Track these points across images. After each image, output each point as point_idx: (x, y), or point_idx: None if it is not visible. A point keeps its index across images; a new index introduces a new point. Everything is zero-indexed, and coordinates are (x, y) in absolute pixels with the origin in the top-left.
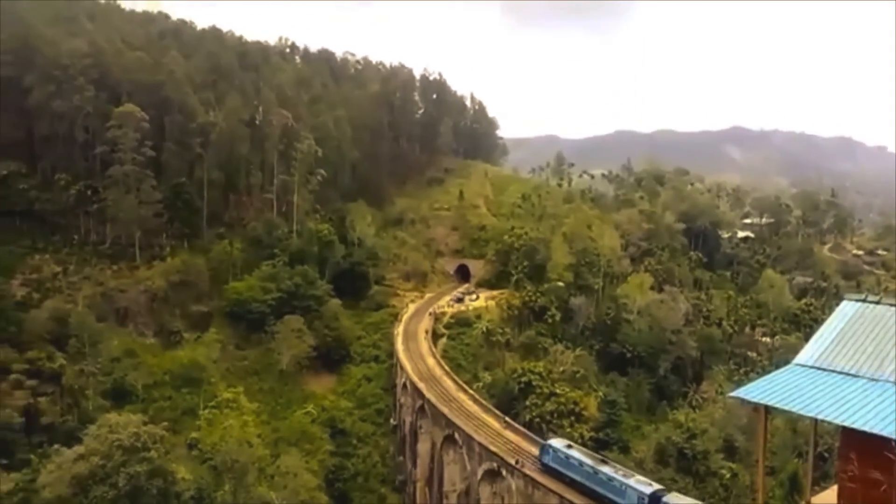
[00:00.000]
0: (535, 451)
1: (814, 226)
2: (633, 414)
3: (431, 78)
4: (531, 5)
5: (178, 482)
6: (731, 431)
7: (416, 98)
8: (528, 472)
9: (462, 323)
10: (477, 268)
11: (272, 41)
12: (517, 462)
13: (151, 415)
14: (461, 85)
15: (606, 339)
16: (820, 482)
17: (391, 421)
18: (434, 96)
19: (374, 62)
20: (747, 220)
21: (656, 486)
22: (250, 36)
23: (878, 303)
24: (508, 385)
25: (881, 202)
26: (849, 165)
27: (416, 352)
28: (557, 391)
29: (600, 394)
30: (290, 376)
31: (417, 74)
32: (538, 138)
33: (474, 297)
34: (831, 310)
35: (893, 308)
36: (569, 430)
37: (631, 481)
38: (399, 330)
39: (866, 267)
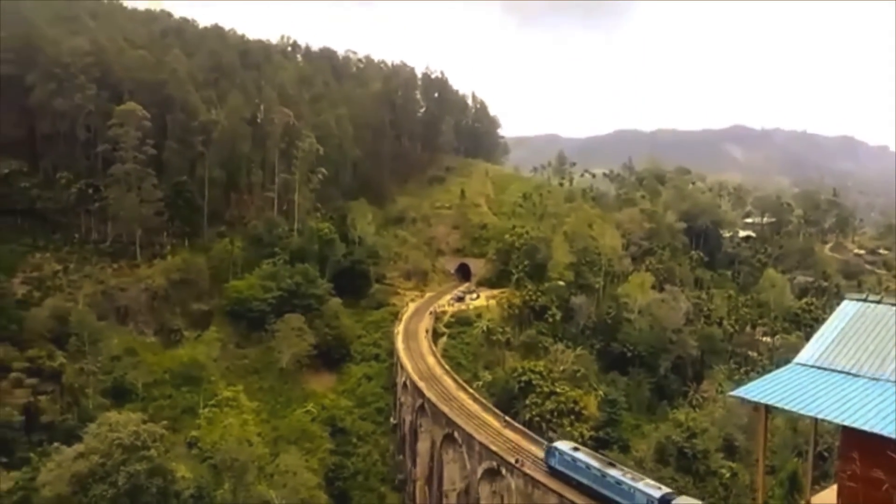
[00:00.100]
0: (535, 449)
1: (815, 225)
2: (634, 413)
3: (433, 77)
4: (532, 4)
5: (178, 481)
6: (731, 431)
7: (418, 97)
8: (527, 470)
9: (462, 322)
10: (478, 267)
11: (274, 40)
12: (517, 461)
13: (151, 413)
14: (463, 84)
15: (607, 339)
16: (820, 481)
17: (391, 420)
18: (436, 95)
19: (375, 61)
20: (748, 220)
21: (665, 490)
22: (252, 34)
23: (879, 302)
24: (508, 384)
25: (883, 202)
26: (850, 165)
27: (416, 351)
28: (557, 390)
29: (600, 393)
30: (291, 375)
31: (419, 73)
32: (539, 137)
33: (475, 295)
34: (832, 309)
35: (894, 308)
36: (569, 428)
37: (640, 485)
38: (399, 329)
39: (867, 266)
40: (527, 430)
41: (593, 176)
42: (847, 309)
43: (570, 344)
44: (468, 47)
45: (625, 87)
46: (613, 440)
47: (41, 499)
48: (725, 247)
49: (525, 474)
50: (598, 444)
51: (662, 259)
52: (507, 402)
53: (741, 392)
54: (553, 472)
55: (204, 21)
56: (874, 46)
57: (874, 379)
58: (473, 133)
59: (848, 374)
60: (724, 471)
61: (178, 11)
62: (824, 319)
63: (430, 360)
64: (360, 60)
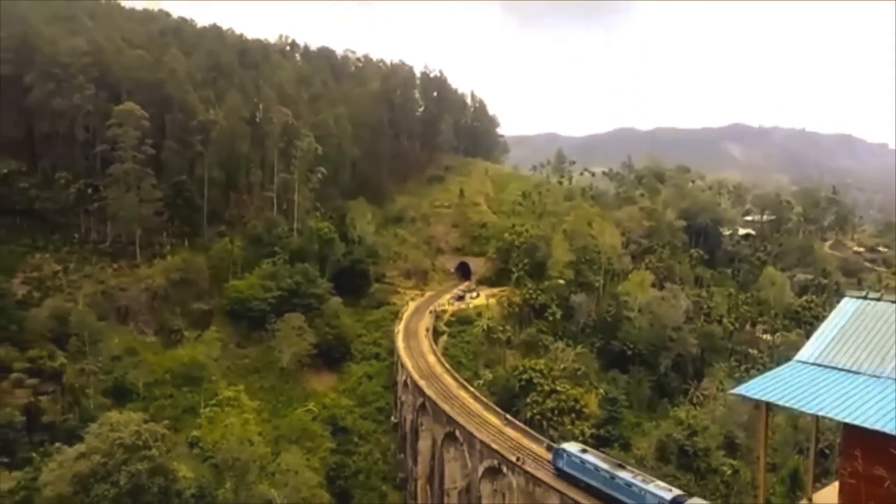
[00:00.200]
0: (537, 448)
1: (814, 223)
2: (634, 411)
3: (432, 76)
4: (532, 4)
5: (180, 480)
6: (731, 428)
7: (417, 96)
8: (532, 470)
9: (463, 321)
10: (477, 265)
11: (272, 39)
12: (518, 459)
13: (152, 413)
14: (462, 83)
15: (607, 337)
16: (821, 479)
17: (392, 418)
18: (434, 94)
19: (374, 60)
20: (748, 218)
21: (677, 492)
22: (251, 34)
23: (878, 299)
24: (509, 382)
25: (882, 199)
26: (849, 162)
27: (416, 349)
28: (558, 388)
29: (601, 391)
30: (291, 374)
31: (418, 72)
32: (539, 136)
33: (475, 294)
34: (832, 307)
35: (894, 305)
36: (569, 427)
37: (650, 486)
38: (400, 328)
39: (867, 264)
40: (528, 429)
41: (593, 174)
42: (847, 306)
43: (570, 342)
44: (468, 47)
45: (624, 85)
46: (614, 438)
47: (43, 499)
48: (725, 245)
49: (526, 472)
50: (598, 443)
51: (662, 257)
52: (508, 400)
53: (742, 390)
54: (561, 474)
55: (202, 21)
56: (873, 44)
57: (875, 376)
58: (472, 132)
59: (848, 371)
60: (725, 468)
61: (177, 11)
62: (824, 317)
63: (431, 358)
64: (358, 60)
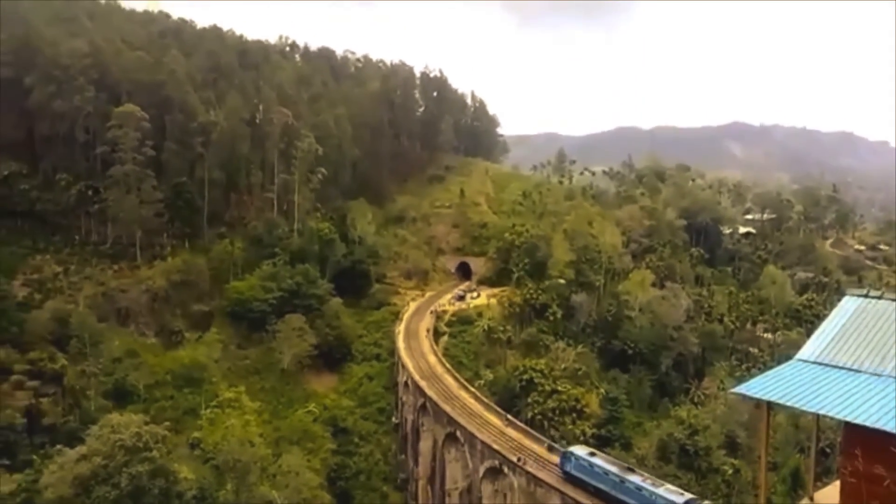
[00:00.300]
0: (538, 448)
1: (815, 221)
2: (635, 410)
3: (432, 76)
4: (532, 4)
5: (181, 482)
6: (732, 427)
7: (417, 96)
8: (536, 472)
9: (463, 321)
10: (478, 265)
11: (272, 40)
12: (519, 460)
13: (153, 415)
14: (462, 82)
15: (608, 336)
16: (822, 478)
17: (393, 419)
18: (434, 94)
19: (374, 60)
20: (748, 216)
21: (689, 496)
22: (250, 35)
23: (879, 298)
24: (510, 383)
25: (883, 197)
26: (850, 161)
27: (417, 350)
28: (559, 388)
29: (602, 391)
30: (292, 375)
31: (418, 72)
32: (539, 135)
33: (475, 294)
34: (833, 305)
35: (895, 303)
36: (570, 427)
37: (661, 490)
38: (400, 328)
39: (868, 262)
40: (529, 429)
41: (593, 174)
42: (848, 305)
43: (571, 342)
44: (468, 47)
45: (624, 85)
46: (615, 438)
47: (44, 501)
48: (726, 243)
49: (528, 472)
50: (599, 442)
51: (663, 256)
52: (509, 400)
53: (743, 389)
54: (568, 478)
55: (202, 22)
56: (873, 42)
57: (876, 374)
58: (473, 132)
59: (850, 369)
60: (726, 468)
61: (176, 12)
62: (825, 315)
63: (432, 359)
64: (358, 60)
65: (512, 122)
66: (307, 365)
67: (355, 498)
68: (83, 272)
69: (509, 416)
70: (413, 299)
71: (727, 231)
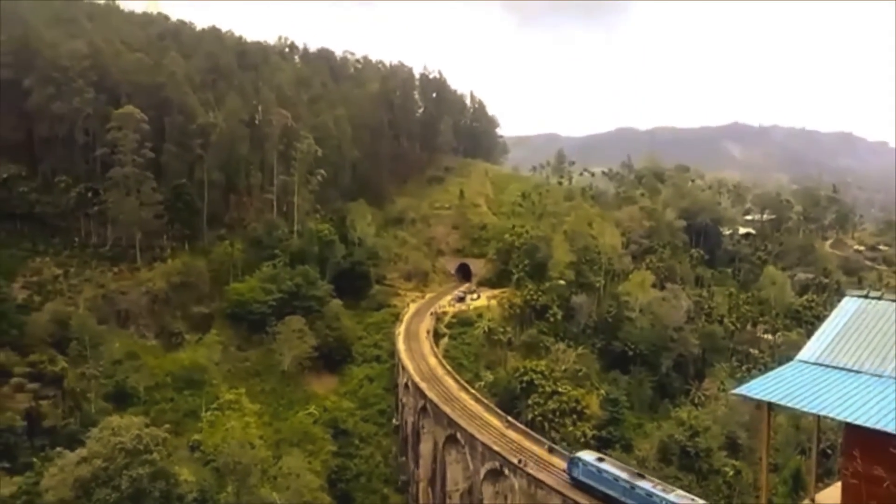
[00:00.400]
0: (538, 450)
1: (815, 222)
2: (636, 412)
3: (431, 76)
4: (532, 4)
5: (181, 484)
6: (733, 428)
7: (416, 97)
8: (530, 471)
9: (463, 322)
10: (478, 267)
11: (272, 41)
12: (520, 461)
13: (153, 417)
14: (461, 83)
15: (608, 337)
16: (823, 479)
17: (393, 421)
18: (434, 95)
19: (373, 61)
20: (748, 217)
21: (700, 502)
22: (250, 36)
23: (879, 298)
24: (510, 384)
25: (882, 198)
26: (850, 161)
27: (417, 351)
28: (559, 390)
29: (602, 392)
30: (292, 377)
31: (417, 73)
32: (538, 136)
33: (475, 296)
34: (833, 306)
35: (895, 304)
36: (571, 428)
37: (671, 496)
38: (400, 330)
39: (868, 262)
40: (529, 431)
41: (592, 174)
42: (848, 305)
43: (571, 343)
44: (467, 47)
45: (624, 85)
46: (616, 439)
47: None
48: (725, 244)
49: (528, 474)
50: (600, 444)
51: (663, 257)
52: (509, 402)
53: (744, 390)
54: (577, 484)
55: (201, 23)
56: (873, 42)
57: (876, 375)
58: (472, 133)
59: (850, 370)
60: (727, 469)
61: (175, 14)
62: (825, 316)
63: (432, 360)
64: (357, 61)
65: (511, 122)
66: (307, 367)
67: (356, 500)
68: (83, 274)
69: (510, 418)
70: (413, 301)
71: (727, 232)
